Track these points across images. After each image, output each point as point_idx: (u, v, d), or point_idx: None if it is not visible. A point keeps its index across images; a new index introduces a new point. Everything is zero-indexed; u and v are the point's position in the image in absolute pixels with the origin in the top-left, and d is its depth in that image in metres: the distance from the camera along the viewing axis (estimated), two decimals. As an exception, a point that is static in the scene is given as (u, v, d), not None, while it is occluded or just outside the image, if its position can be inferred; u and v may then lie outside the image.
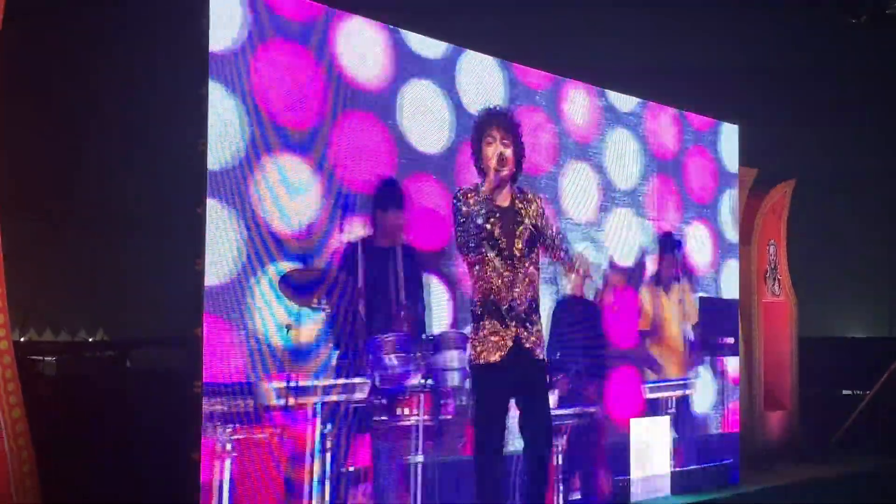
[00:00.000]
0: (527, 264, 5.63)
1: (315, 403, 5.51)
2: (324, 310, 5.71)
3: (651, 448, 7.78)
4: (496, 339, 5.54)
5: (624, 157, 8.03)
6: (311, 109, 5.94)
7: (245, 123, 5.59)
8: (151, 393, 6.55)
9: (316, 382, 5.56)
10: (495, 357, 5.50)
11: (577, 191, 7.60)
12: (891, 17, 10.02)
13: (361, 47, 6.28)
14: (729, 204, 8.95)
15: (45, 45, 6.09)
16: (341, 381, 5.75)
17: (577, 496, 7.06)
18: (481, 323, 5.56)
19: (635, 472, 7.61)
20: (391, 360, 5.87)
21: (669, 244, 8.21)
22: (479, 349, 5.54)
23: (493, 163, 5.51)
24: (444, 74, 6.77)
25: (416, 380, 5.94)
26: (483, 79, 7.04)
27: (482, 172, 5.61)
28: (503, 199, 5.65)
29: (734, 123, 9.09)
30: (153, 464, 5.84)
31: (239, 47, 5.59)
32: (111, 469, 5.98)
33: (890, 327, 12.07)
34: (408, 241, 6.35)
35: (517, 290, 5.57)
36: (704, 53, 9.33)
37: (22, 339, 7.68)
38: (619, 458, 7.50)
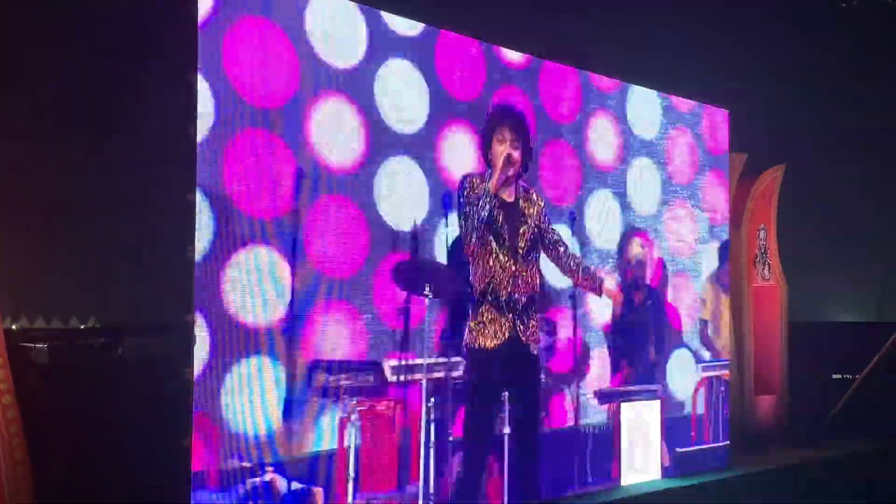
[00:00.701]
0: (530, 262, 5.98)
1: (422, 380, 6.03)
2: (428, 296, 6.00)
3: (642, 432, 7.82)
4: (494, 327, 5.84)
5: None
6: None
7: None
8: (144, 379, 6.55)
9: (422, 361, 6.10)
10: (492, 343, 5.82)
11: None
12: (881, 1, 10.04)
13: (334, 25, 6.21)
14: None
15: (32, 29, 6.07)
16: (443, 359, 6.36)
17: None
18: (480, 310, 5.88)
19: (625, 457, 7.65)
20: None
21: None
22: (475, 334, 5.88)
23: (500, 162, 5.84)
24: (421, 54, 6.69)
25: None
26: (462, 60, 6.96)
27: (489, 165, 5.76)
28: (508, 195, 6.01)
29: (724, 108, 9.11)
30: (145, 450, 5.85)
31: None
32: (104, 456, 5.98)
33: (880, 312, 12.11)
34: None
35: (519, 284, 5.87)
36: (694, 37, 9.33)
37: (13, 327, 7.67)
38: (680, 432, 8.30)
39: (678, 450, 8.20)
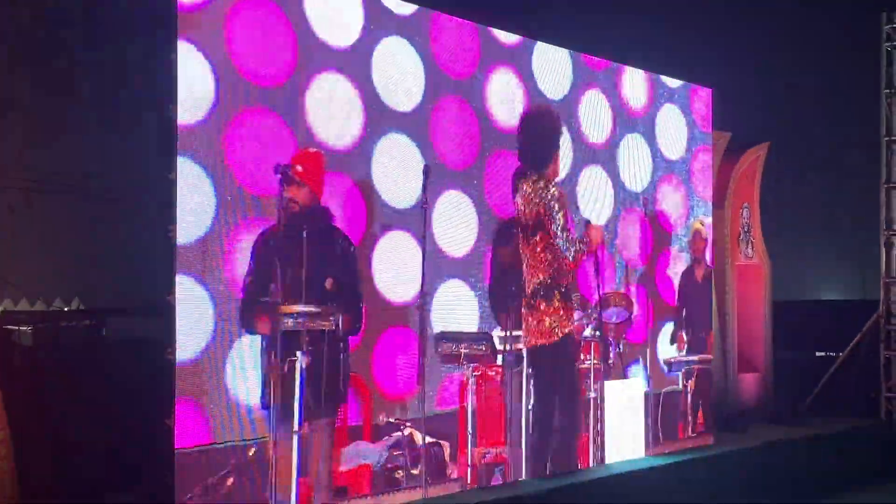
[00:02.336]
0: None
1: (522, 349, 7.00)
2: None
3: (626, 410, 7.87)
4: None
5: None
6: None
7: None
8: (127, 360, 6.57)
9: (519, 332, 7.03)
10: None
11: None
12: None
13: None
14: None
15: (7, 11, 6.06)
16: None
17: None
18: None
19: (610, 434, 7.70)
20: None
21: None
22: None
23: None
24: (415, 33, 6.74)
25: (588, 332, 7.54)
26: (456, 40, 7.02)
27: None
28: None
29: (708, 87, 9.12)
30: (129, 430, 5.87)
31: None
32: (88, 436, 6.00)
33: (863, 290, 12.17)
34: None
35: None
36: (678, 17, 9.33)
37: (-3, 309, 7.65)
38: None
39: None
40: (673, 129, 8.78)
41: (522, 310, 7.03)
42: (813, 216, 12.05)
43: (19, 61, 6.63)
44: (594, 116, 7.99)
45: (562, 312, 7.04)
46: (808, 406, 10.71)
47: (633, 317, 8.04)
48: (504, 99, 7.23)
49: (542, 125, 7.23)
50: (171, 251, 5.33)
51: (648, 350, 8.32)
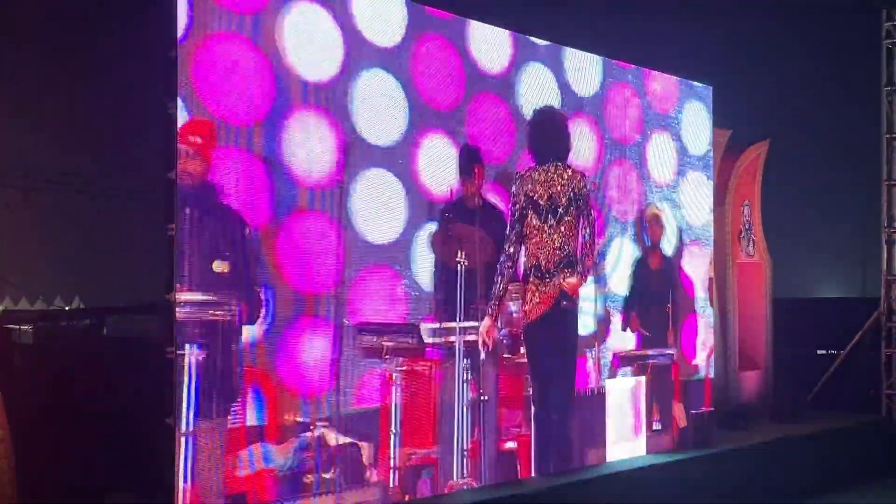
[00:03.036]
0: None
1: (456, 342, 6.58)
2: (461, 263, 6.56)
3: (627, 408, 7.86)
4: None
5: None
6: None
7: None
8: (127, 359, 6.57)
9: (456, 325, 6.61)
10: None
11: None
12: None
13: None
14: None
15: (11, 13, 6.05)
16: (475, 323, 6.69)
17: (657, 426, 8.19)
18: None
19: (610, 433, 7.69)
20: (510, 307, 6.93)
21: None
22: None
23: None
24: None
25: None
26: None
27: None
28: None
29: (708, 84, 9.11)
30: (129, 429, 5.86)
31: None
32: (88, 435, 6.00)
33: (863, 287, 12.16)
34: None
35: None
36: (678, 14, 9.32)
37: (-3, 308, 7.65)
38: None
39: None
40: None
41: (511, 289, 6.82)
42: (813, 213, 12.04)
43: (22, 60, 6.63)
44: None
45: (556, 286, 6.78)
46: (809, 403, 10.70)
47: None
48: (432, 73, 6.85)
49: (556, 121, 7.09)
50: (171, 249, 5.31)
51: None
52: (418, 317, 6.52)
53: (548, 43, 7.59)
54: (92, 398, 6.20)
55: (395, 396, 6.26)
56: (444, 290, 6.63)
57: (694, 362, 8.76)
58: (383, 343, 6.21)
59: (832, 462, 9.23)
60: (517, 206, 6.81)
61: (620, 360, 7.97)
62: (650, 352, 8.24)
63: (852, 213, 11.98)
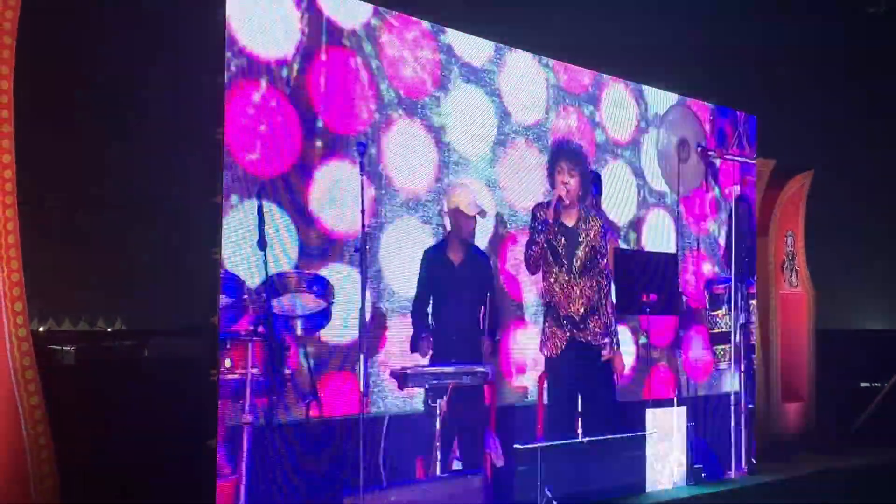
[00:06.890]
0: (587, 278, 6.87)
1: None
2: None
3: (666, 438, 7.80)
4: (555, 339, 6.90)
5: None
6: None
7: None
8: (169, 382, 6.58)
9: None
10: (555, 353, 6.90)
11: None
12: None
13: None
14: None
15: (60, 35, 6.12)
16: None
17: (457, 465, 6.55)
18: (546, 322, 6.97)
19: (651, 462, 7.63)
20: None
21: None
22: (543, 341, 6.98)
23: (560, 191, 6.76)
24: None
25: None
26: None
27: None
28: (569, 220, 6.89)
29: (752, 114, 9.07)
30: (171, 452, 5.87)
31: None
32: (129, 457, 6.01)
33: (908, 319, 12.04)
34: None
35: (573, 300, 6.86)
36: (723, 43, 9.30)
37: (41, 329, 7.72)
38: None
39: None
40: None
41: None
42: (857, 244, 11.91)
43: (69, 78, 6.70)
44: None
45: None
46: (852, 435, 10.57)
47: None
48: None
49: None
50: (216, 272, 5.34)
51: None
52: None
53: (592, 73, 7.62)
54: (133, 420, 6.21)
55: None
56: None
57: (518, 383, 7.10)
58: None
59: (875, 495, 9.09)
60: None
61: (404, 379, 6.23)
62: (450, 370, 6.41)
63: (896, 244, 11.86)
